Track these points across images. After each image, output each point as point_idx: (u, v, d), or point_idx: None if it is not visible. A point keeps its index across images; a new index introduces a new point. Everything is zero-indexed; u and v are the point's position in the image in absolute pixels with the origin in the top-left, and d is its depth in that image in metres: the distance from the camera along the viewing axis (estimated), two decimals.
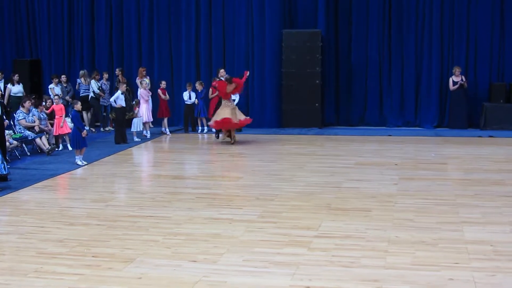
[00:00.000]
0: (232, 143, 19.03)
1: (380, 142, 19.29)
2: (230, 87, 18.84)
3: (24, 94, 21.52)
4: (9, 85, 22.07)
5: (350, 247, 9.11)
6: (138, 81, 21.72)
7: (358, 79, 22.66)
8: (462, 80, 21.16)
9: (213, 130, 20.24)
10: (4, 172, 13.60)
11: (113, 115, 20.70)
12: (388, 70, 22.50)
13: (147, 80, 21.93)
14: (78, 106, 16.65)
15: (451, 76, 21.44)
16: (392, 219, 10.57)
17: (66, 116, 18.70)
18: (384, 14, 22.30)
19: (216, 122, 18.91)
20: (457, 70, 21.23)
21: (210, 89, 21.58)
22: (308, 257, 8.71)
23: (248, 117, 19.75)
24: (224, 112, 18.77)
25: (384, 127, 22.22)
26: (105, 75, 22.81)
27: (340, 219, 10.66)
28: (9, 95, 21.80)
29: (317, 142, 19.43)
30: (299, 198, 12.21)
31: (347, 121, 22.88)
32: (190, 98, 21.57)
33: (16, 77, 22.34)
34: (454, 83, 21.23)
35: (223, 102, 19.06)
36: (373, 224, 10.26)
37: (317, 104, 21.96)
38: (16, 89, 22.10)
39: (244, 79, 19.29)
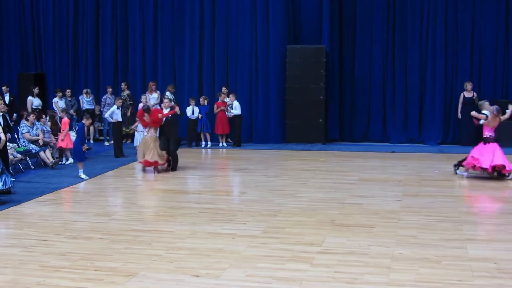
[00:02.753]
0: (171, 170, 17.49)
1: (384, 158, 19.26)
2: (147, 117, 17.34)
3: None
4: (30, 97, 22.20)
5: (353, 263, 9.08)
6: (147, 95, 21.75)
7: (362, 95, 22.67)
8: (473, 96, 21.05)
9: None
10: (10, 185, 13.59)
11: None
12: (392, 86, 22.48)
13: (156, 95, 21.97)
14: (88, 121, 16.77)
15: (462, 91, 21.31)
16: (396, 235, 10.54)
17: (70, 130, 18.71)
18: (388, 30, 22.31)
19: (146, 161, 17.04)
20: (468, 85, 21.06)
21: (215, 105, 21.66)
22: (311, 273, 8.69)
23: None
24: (142, 146, 17.28)
25: (387, 143, 22.18)
26: (109, 89, 22.88)
27: (344, 235, 10.64)
28: (31, 108, 21.86)
29: (321, 157, 19.40)
30: (302, 213, 12.19)
31: (351, 137, 22.86)
32: (193, 113, 21.58)
33: (36, 90, 22.52)
34: (466, 98, 21.11)
35: (145, 131, 17.73)
36: (377, 240, 10.23)
37: (320, 120, 21.94)
38: (37, 102, 22.20)
39: (167, 114, 17.79)
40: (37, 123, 18.55)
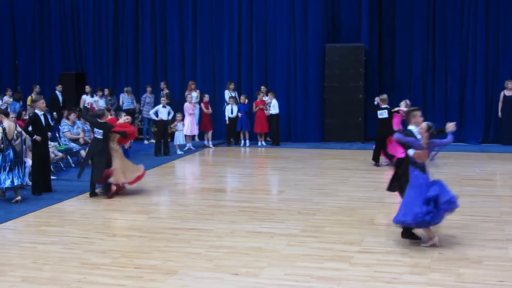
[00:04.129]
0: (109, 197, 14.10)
1: None
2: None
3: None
4: (83, 96, 22.43)
5: (393, 263, 9.04)
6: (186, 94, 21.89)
7: (402, 93, 22.39)
8: None
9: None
10: (18, 183, 13.66)
11: (154, 128, 20.92)
12: (432, 85, 22.27)
13: (195, 94, 22.07)
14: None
15: (502, 90, 21.09)
16: (436, 235, 10.45)
17: None
18: (428, 28, 22.11)
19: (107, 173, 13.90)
20: (509, 84, 20.82)
21: (254, 103, 21.70)
22: (350, 272, 8.66)
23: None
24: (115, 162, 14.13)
25: None
26: (149, 88, 23.02)
27: (383, 234, 10.59)
28: (84, 106, 22.23)
29: (360, 156, 19.30)
30: (341, 212, 12.15)
31: None
32: (232, 112, 21.63)
33: (88, 89, 22.85)
34: (506, 97, 20.89)
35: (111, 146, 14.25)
36: (416, 240, 10.14)
37: (360, 119, 21.86)
38: (90, 100, 22.38)
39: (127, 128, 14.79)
40: (78, 121, 18.74)
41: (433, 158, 10.14)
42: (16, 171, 13.53)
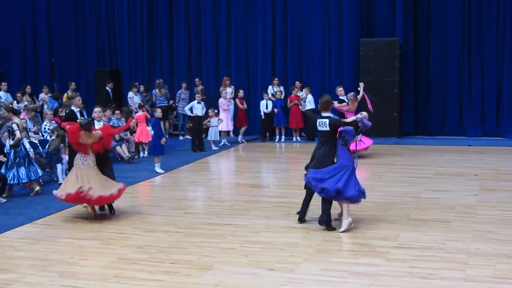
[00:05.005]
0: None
1: (460, 152, 18.95)
2: (86, 137, 11.84)
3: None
4: (130, 93, 22.62)
5: (429, 259, 8.98)
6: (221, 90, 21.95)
7: (437, 88, 22.30)
8: None
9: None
10: (24, 181, 13.89)
11: (189, 124, 21.02)
12: (468, 79, 22.05)
13: (230, 90, 22.11)
14: (159, 113, 16.95)
15: None
16: (472, 230, 10.38)
17: (148, 125, 18.99)
18: (464, 22, 21.87)
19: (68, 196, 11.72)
20: None
21: (288, 99, 21.69)
22: (386, 267, 8.63)
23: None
24: (72, 178, 11.92)
25: (464, 137, 21.78)
26: (184, 84, 23.10)
27: (419, 230, 10.53)
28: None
29: (396, 151, 19.21)
30: (377, 208, 12.10)
31: (426, 131, 22.52)
32: (267, 107, 21.62)
33: (136, 85, 22.95)
34: None
35: (76, 158, 12.08)
36: (453, 235, 10.09)
37: (395, 114, 21.73)
38: (137, 99, 22.56)
39: (123, 128, 14.40)
40: (113, 118, 18.88)
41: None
42: (30, 166, 13.88)
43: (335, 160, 10.78)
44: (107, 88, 23.22)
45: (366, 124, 11.26)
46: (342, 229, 10.48)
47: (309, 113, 12.49)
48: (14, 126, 13.92)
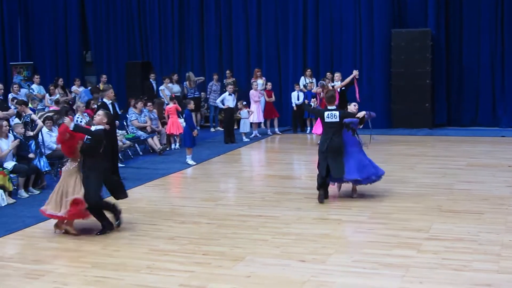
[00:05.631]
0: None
1: (493, 143, 18.77)
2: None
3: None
4: (169, 84, 22.68)
5: (462, 250, 8.92)
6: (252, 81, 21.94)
7: (470, 79, 22.08)
8: None
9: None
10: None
11: (221, 115, 21.06)
12: (501, 69, 21.81)
13: (261, 81, 22.08)
14: (191, 105, 17.00)
15: None
16: (505, 222, 10.28)
17: (178, 116, 19.05)
18: (497, 13, 21.63)
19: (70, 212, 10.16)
20: None
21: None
22: (418, 259, 8.58)
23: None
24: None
25: (497, 128, 21.55)
26: (215, 76, 23.12)
27: (451, 221, 10.45)
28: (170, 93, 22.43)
29: (428, 142, 19.10)
30: (409, 199, 12.03)
31: (458, 122, 22.34)
32: (298, 98, 21.57)
33: (175, 77, 23.02)
34: None
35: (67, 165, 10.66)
36: (486, 227, 10.00)
37: (427, 104, 21.58)
38: (176, 89, 22.66)
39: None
40: (145, 110, 18.97)
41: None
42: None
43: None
44: (150, 80, 23.31)
45: (372, 115, 12.85)
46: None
47: (311, 108, 14.20)
48: (33, 117, 14.19)
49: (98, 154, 10.34)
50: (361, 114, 12.27)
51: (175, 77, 23.03)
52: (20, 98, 17.63)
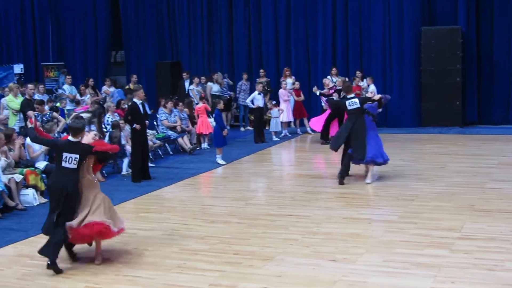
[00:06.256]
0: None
1: None
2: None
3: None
4: (209, 83, 22.78)
5: (494, 250, 8.85)
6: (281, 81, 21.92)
7: (501, 76, 21.85)
8: None
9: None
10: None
11: (251, 115, 21.06)
12: None
13: (290, 80, 22.05)
14: (221, 105, 17.04)
15: None
16: None
17: (209, 116, 19.09)
18: None
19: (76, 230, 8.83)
20: None
21: None
22: (450, 259, 8.53)
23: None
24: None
25: None
26: (245, 76, 23.13)
27: (483, 220, 10.37)
28: (210, 94, 22.47)
29: (459, 141, 18.94)
30: (440, 198, 11.96)
31: (490, 120, 22.11)
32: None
33: (215, 76, 23.08)
34: None
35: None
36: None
37: (458, 103, 21.40)
38: (216, 88, 22.71)
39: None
40: (174, 110, 19.03)
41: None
42: None
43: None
44: (183, 79, 23.36)
45: (387, 98, 14.19)
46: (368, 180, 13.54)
47: (334, 100, 16.50)
48: (55, 114, 14.41)
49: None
50: (377, 97, 13.80)
51: (215, 76, 23.01)
52: (40, 99, 17.79)
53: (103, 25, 27.20)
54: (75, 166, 8.77)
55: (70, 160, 8.74)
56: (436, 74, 21.46)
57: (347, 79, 19.37)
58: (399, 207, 11.42)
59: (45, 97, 19.59)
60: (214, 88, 22.62)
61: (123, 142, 15.67)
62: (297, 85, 21.69)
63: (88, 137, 9.24)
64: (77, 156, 8.77)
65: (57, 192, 8.75)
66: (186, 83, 23.24)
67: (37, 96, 18.64)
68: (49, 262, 8.58)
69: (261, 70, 23.02)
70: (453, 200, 11.76)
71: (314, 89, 19.28)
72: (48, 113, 16.42)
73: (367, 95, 14.27)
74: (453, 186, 12.93)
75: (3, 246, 10.02)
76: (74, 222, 8.71)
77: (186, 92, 22.69)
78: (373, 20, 22.70)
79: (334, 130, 18.23)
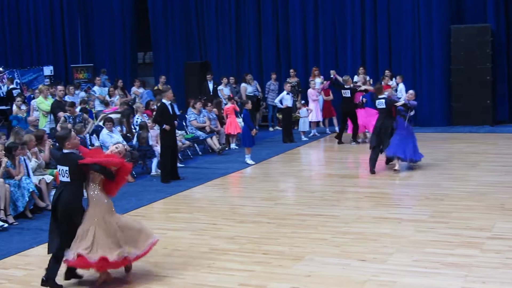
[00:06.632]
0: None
1: None
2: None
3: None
4: (243, 84, 22.83)
5: None
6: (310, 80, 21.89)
7: None
8: None
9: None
10: None
11: (279, 115, 21.06)
12: None
13: (319, 80, 22.01)
14: (249, 105, 17.05)
15: None
16: None
17: (236, 116, 19.11)
18: None
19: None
20: None
21: None
22: (481, 259, 8.46)
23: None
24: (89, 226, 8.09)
25: None
26: (273, 76, 23.13)
27: None
28: (245, 94, 22.51)
29: (490, 140, 18.80)
30: (471, 198, 11.87)
31: None
32: None
33: (249, 77, 23.07)
34: None
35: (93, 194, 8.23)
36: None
37: (488, 101, 21.24)
38: (250, 89, 22.76)
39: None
40: (203, 110, 19.08)
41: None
42: None
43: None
44: (207, 80, 23.39)
45: (412, 104, 14.77)
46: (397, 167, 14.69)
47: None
48: (85, 116, 14.61)
49: None
50: (401, 102, 14.89)
51: (249, 77, 22.99)
52: (71, 101, 17.96)
53: (131, 26, 27.39)
54: (68, 179, 8.03)
55: (62, 173, 8.10)
56: (466, 72, 21.32)
57: (390, 83, 19.78)
58: (429, 206, 11.36)
59: (76, 99, 19.75)
60: (248, 89, 22.62)
61: (150, 143, 15.76)
62: (326, 84, 21.63)
63: (111, 148, 8.62)
64: (67, 168, 8.02)
65: (52, 207, 8.24)
66: (210, 85, 23.27)
67: (67, 98, 18.79)
68: (44, 278, 8.05)
69: (291, 70, 23.01)
70: (483, 200, 11.67)
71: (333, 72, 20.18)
72: (79, 115, 16.59)
73: (406, 95, 15.90)
74: (483, 185, 12.84)
75: (34, 247, 10.09)
76: (70, 255, 7.90)
77: (211, 94, 22.69)
78: (402, 18, 22.59)
79: (349, 128, 19.50)
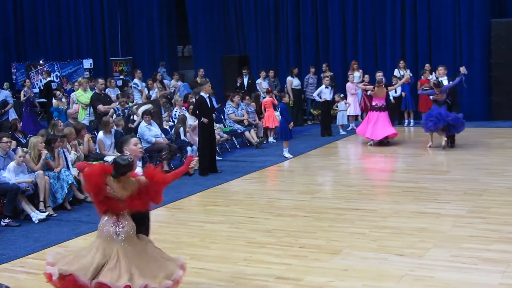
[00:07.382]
0: None
1: None
2: (118, 187, 6.83)
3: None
4: (289, 78, 22.86)
5: None
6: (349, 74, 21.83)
7: None
8: None
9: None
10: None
11: (317, 110, 21.06)
12: None
13: (358, 74, 21.94)
14: (286, 98, 17.07)
15: None
16: None
17: (274, 110, 19.12)
18: None
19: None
20: None
21: (418, 82, 21.23)
22: None
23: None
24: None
25: None
26: (312, 69, 23.10)
27: None
28: (291, 88, 22.55)
29: None
30: (510, 193, 11.76)
31: None
32: (396, 91, 21.29)
33: (296, 71, 23.08)
34: None
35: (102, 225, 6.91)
36: None
37: None
38: (296, 82, 22.81)
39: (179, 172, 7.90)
40: (241, 103, 19.12)
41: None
42: None
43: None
44: (243, 75, 23.44)
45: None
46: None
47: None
48: (134, 110, 14.85)
49: None
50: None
51: (296, 71, 22.98)
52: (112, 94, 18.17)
53: (170, 19, 27.56)
54: None
55: None
56: (507, 66, 21.10)
57: (430, 79, 19.73)
58: (467, 201, 11.28)
59: (116, 91, 19.91)
60: (294, 82, 22.59)
61: (182, 137, 15.83)
62: (366, 78, 21.50)
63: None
64: None
65: None
66: (245, 79, 23.30)
67: (108, 91, 18.96)
68: None
69: (324, 65, 22.98)
70: None
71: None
72: (128, 107, 16.72)
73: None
74: None
75: (73, 238, 10.21)
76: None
77: (245, 88, 22.70)
78: (443, 12, 22.41)
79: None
